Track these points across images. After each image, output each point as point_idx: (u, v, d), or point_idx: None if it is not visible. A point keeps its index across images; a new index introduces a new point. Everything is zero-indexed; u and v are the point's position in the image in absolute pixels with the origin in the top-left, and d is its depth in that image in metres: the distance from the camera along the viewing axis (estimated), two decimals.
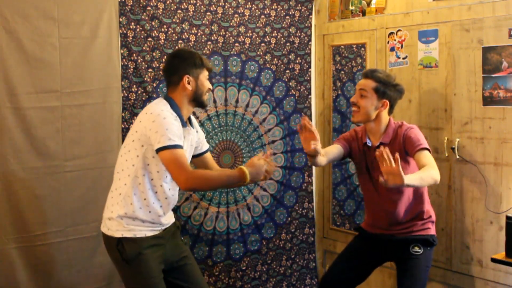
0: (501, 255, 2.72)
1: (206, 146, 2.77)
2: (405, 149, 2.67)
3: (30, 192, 2.80)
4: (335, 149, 2.87)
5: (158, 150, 2.36)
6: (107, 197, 2.55)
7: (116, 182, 2.50)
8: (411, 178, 2.34)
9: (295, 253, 3.82)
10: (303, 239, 3.86)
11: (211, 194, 3.42)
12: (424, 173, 2.44)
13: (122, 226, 2.44)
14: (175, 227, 2.66)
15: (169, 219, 2.60)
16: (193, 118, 2.71)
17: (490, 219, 2.95)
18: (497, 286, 2.93)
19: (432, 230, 2.79)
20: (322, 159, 2.75)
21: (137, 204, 2.45)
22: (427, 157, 2.56)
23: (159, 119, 2.38)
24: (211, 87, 2.60)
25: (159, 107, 2.45)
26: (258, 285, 3.66)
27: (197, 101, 2.57)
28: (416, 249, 2.71)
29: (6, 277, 2.76)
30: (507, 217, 2.67)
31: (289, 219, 3.78)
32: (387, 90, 2.74)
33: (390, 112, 2.80)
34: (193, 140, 2.63)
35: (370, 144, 2.79)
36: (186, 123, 2.54)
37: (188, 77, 2.51)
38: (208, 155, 2.79)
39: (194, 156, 2.72)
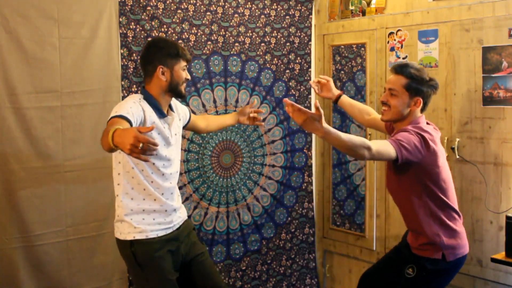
0: (501, 255, 2.72)
1: (188, 114, 2.80)
2: None
3: (30, 192, 2.80)
4: (379, 122, 2.75)
5: (108, 121, 2.22)
6: (112, 200, 2.55)
7: (115, 188, 2.50)
8: (331, 130, 2.11)
9: (295, 253, 3.82)
10: (303, 239, 3.86)
11: (211, 194, 3.42)
12: (351, 137, 2.19)
13: (132, 228, 2.44)
14: (189, 229, 2.67)
15: (178, 217, 2.59)
16: (173, 101, 2.62)
17: (490, 219, 2.95)
18: (497, 286, 2.93)
19: (432, 253, 2.46)
20: (356, 108, 2.94)
21: (139, 197, 2.44)
22: (383, 140, 2.36)
23: (119, 104, 2.34)
24: (188, 77, 2.53)
25: (124, 103, 2.34)
26: (258, 285, 3.66)
27: (173, 92, 2.50)
28: (409, 271, 2.50)
29: (6, 277, 2.76)
30: (507, 217, 2.67)
31: (289, 219, 3.79)
32: (420, 86, 2.48)
33: (423, 109, 2.54)
34: (177, 126, 2.60)
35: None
36: (165, 112, 2.50)
37: (162, 68, 2.45)
38: (193, 117, 2.85)
39: (184, 127, 2.75)
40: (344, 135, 2.15)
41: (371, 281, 2.80)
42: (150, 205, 2.46)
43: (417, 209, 2.46)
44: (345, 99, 3.02)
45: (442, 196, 2.46)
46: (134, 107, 2.32)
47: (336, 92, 3.02)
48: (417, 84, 2.47)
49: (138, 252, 2.44)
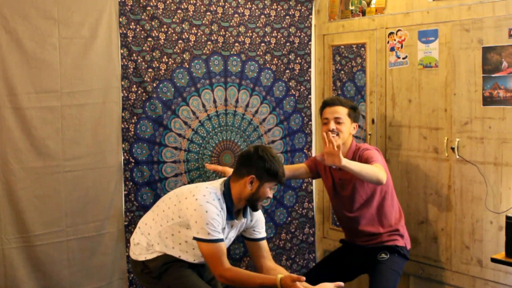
0: (501, 255, 2.72)
1: (262, 234, 2.69)
2: None
3: (30, 192, 2.80)
4: (303, 169, 3.12)
5: (197, 239, 2.42)
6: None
7: (152, 226, 2.59)
8: (350, 162, 2.57)
9: (295, 253, 3.82)
10: (303, 239, 3.86)
11: None
12: (367, 166, 2.64)
13: (144, 250, 2.56)
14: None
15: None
16: (254, 213, 2.65)
17: (490, 219, 2.95)
18: (497, 286, 2.93)
19: (400, 242, 2.92)
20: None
21: (171, 246, 2.55)
22: (377, 166, 2.69)
23: (201, 211, 2.39)
24: (271, 196, 2.54)
25: (206, 198, 2.42)
26: None
27: (250, 202, 2.51)
28: (383, 255, 2.88)
29: (6, 277, 2.76)
30: (507, 217, 2.67)
31: (289, 219, 3.78)
32: (356, 113, 2.96)
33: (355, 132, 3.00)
34: (242, 227, 2.63)
35: (334, 167, 2.88)
36: (235, 215, 2.53)
37: (253, 178, 2.45)
38: (263, 244, 2.68)
39: (247, 238, 2.71)
40: (358, 168, 2.57)
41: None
42: (173, 255, 2.54)
43: (386, 208, 2.93)
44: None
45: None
46: (218, 220, 2.41)
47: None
48: (353, 112, 2.95)
49: (151, 268, 2.52)
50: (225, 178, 2.59)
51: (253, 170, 2.45)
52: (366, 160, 2.76)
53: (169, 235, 2.53)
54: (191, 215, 2.41)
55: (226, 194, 2.48)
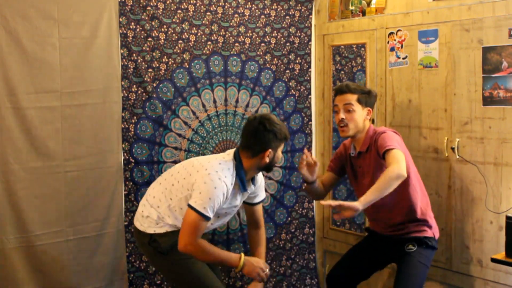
0: (501, 255, 2.72)
1: (260, 197, 2.85)
2: (378, 155, 2.73)
3: (30, 192, 2.80)
4: (328, 177, 3.06)
5: (190, 206, 2.48)
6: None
7: (162, 201, 2.65)
8: (367, 197, 2.45)
9: (295, 253, 3.82)
10: (303, 239, 3.86)
11: None
12: (380, 181, 2.49)
13: (154, 224, 2.61)
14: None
15: None
16: (259, 175, 2.78)
17: (490, 219, 2.95)
18: (497, 286, 2.93)
19: (428, 233, 2.82)
20: (321, 189, 2.99)
21: (180, 219, 2.60)
22: (390, 156, 2.58)
23: (210, 186, 2.47)
24: (282, 158, 2.66)
25: (218, 174, 2.50)
26: None
27: (266, 169, 2.66)
28: (410, 246, 2.78)
29: (6, 277, 2.76)
30: (507, 217, 2.67)
31: (289, 219, 3.79)
32: (367, 98, 2.85)
33: (371, 118, 2.91)
34: (247, 195, 2.74)
35: (353, 154, 2.89)
36: (248, 185, 2.64)
37: (270, 152, 2.59)
38: (258, 208, 2.87)
39: (246, 203, 2.82)
40: (378, 190, 2.47)
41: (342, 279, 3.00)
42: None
43: (412, 197, 2.77)
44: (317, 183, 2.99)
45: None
46: (222, 198, 2.49)
47: (313, 178, 2.90)
48: (365, 97, 2.84)
49: (159, 242, 2.59)
50: (234, 150, 2.66)
51: (269, 145, 2.57)
52: (379, 147, 2.68)
53: (178, 209, 2.59)
54: (199, 186, 2.49)
55: (239, 167, 2.58)
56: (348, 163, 2.97)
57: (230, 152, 2.67)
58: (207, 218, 2.49)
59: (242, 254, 2.64)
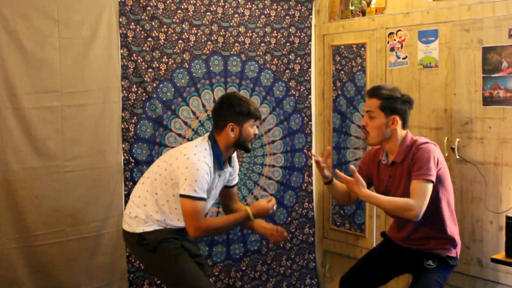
0: (501, 255, 2.72)
1: (235, 180, 2.87)
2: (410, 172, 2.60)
3: (30, 192, 2.80)
4: None
5: (181, 196, 2.50)
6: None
7: (146, 195, 2.64)
8: (373, 198, 2.52)
9: (295, 253, 3.82)
10: (303, 239, 3.86)
11: None
12: (395, 202, 2.50)
13: (142, 223, 2.61)
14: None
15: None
16: (234, 155, 2.80)
17: (490, 219, 2.95)
18: (497, 286, 2.93)
19: (452, 252, 2.67)
20: (343, 189, 2.84)
21: (167, 213, 2.62)
22: (418, 188, 2.50)
23: (192, 169, 2.49)
24: (257, 132, 2.68)
25: (197, 156, 2.52)
26: (258, 285, 3.66)
27: (239, 146, 2.66)
28: (430, 262, 2.64)
29: (6, 277, 2.76)
30: (507, 217, 2.67)
31: (289, 219, 3.78)
32: (394, 104, 2.61)
33: (404, 125, 2.67)
34: (226, 177, 2.76)
35: (384, 162, 2.74)
36: (224, 165, 2.65)
37: (232, 125, 2.59)
38: (234, 190, 2.89)
39: (225, 186, 2.83)
40: (384, 199, 2.50)
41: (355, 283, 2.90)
42: (172, 220, 2.62)
43: (443, 213, 2.64)
44: (336, 182, 2.89)
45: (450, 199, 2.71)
46: (206, 177, 2.52)
47: (329, 176, 2.84)
48: (390, 103, 2.61)
49: (148, 240, 2.58)
50: (208, 134, 2.69)
51: (229, 119, 2.58)
52: (414, 169, 2.54)
53: (165, 202, 2.60)
54: (182, 173, 2.50)
55: (214, 146, 2.60)
56: (377, 170, 2.80)
57: (206, 135, 2.69)
58: (201, 199, 2.50)
59: (246, 207, 2.70)
